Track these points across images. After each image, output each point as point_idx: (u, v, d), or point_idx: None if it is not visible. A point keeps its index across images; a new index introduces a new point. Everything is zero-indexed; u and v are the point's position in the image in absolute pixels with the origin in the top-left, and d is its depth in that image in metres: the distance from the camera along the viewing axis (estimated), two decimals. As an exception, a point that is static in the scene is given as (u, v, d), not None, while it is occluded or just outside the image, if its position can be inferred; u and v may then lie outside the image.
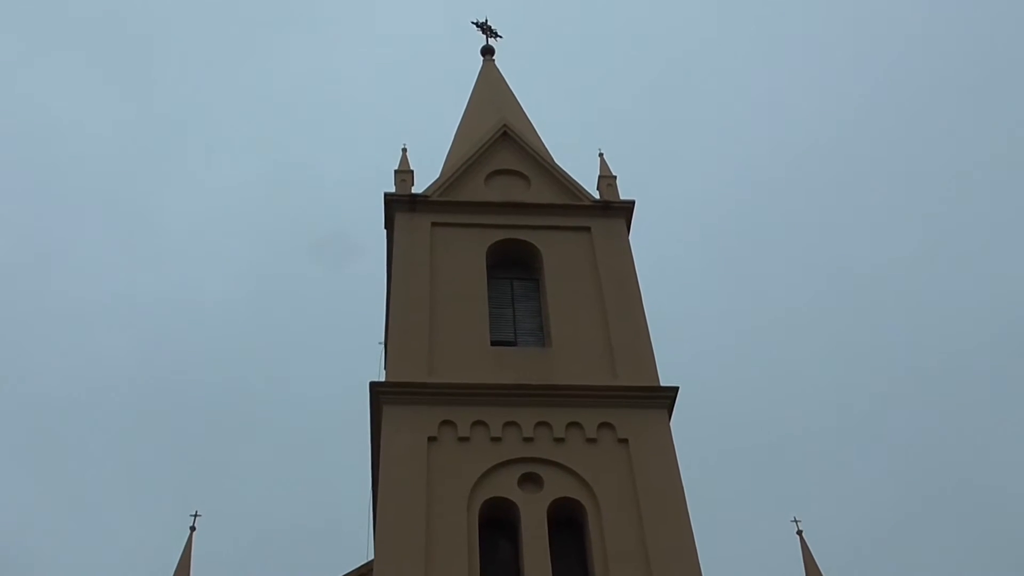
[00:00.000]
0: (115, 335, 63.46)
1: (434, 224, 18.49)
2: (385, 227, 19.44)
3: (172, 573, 16.21)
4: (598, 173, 20.50)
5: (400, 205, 18.87)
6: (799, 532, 17.84)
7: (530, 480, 14.59)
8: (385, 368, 16.60)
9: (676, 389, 15.89)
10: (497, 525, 14.33)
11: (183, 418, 62.61)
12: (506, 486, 14.47)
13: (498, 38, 27.94)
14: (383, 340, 20.23)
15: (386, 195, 19.12)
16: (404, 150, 20.58)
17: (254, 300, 68.63)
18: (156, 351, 63.28)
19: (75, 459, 57.62)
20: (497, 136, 20.61)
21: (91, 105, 71.60)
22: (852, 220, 68.35)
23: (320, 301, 67.29)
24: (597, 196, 19.78)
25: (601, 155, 21.00)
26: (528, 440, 14.95)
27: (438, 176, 20.19)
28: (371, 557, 15.10)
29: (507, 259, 18.51)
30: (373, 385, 15.68)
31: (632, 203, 19.39)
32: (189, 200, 73.94)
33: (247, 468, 58.45)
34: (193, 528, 16.99)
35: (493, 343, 16.68)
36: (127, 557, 48.04)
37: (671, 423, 15.58)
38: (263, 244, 72.54)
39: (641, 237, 19.47)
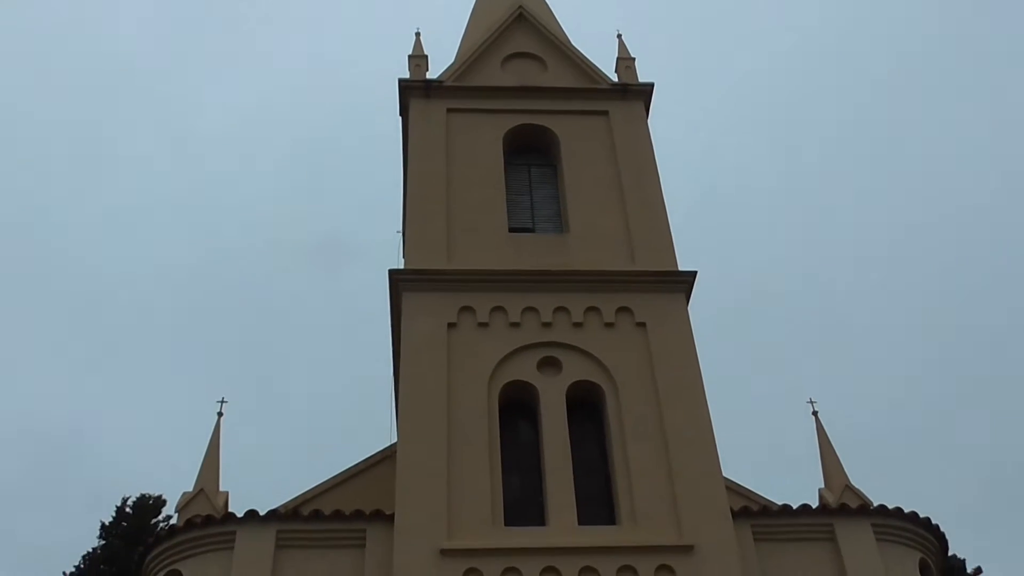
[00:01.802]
0: (156, 232, 64.40)
1: (449, 110, 18.23)
2: (400, 114, 19.21)
3: (202, 456, 16.68)
4: (616, 55, 20.03)
5: (415, 91, 18.58)
6: (814, 413, 18.01)
7: (549, 364, 14.79)
8: (404, 256, 16.65)
9: (694, 273, 15.88)
10: (517, 408, 14.60)
11: (216, 309, 63.91)
12: (525, 370, 14.67)
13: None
14: (401, 228, 20.23)
15: (400, 81, 18.81)
16: (418, 34, 20.15)
17: (286, 197, 69.05)
18: (192, 248, 64.26)
19: (119, 349, 59.40)
20: (512, 18, 20.11)
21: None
22: (864, 109, 66.97)
23: (348, 201, 67.46)
24: (615, 79, 19.38)
25: (619, 36, 20.47)
26: (547, 325, 15.08)
27: (453, 61, 19.82)
28: (395, 440, 15.44)
29: (524, 145, 18.29)
30: (392, 272, 15.76)
31: (651, 86, 19.00)
32: (227, 99, 73.40)
33: (275, 357, 59.74)
34: (220, 414, 17.34)
35: (511, 230, 16.65)
36: (167, 441, 49.83)
37: (689, 307, 15.65)
38: (296, 142, 72.43)
39: (660, 120, 19.16)
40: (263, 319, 62.82)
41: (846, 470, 17.11)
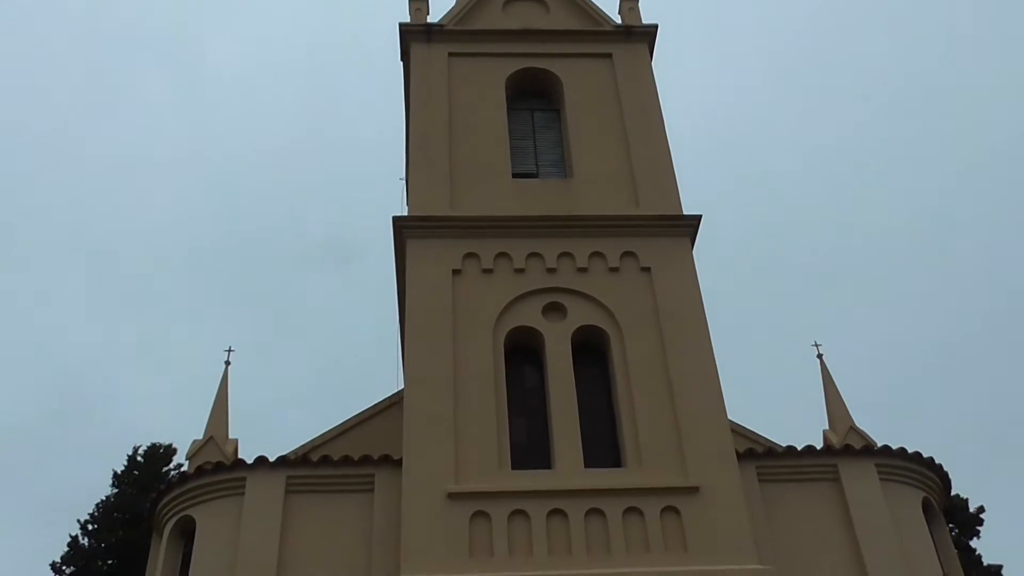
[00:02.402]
0: (164, 181, 64.34)
1: (451, 54, 18.04)
2: (401, 59, 19.01)
3: (212, 403, 16.81)
4: (620, -4, 19.71)
5: (416, 36, 18.36)
6: (820, 356, 18.01)
7: (554, 309, 14.81)
8: (407, 203, 16.61)
9: (699, 217, 15.83)
10: (522, 353, 14.66)
11: (224, 258, 64.16)
12: (530, 316, 14.70)
13: None
14: (404, 176, 20.14)
15: (401, 25, 18.58)
16: (418, -23, 19.80)
17: (295, 149, 68.80)
18: (201, 196, 64.28)
19: (135, 299, 59.83)
20: (514, -40, 19.76)
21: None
22: (874, 44, 66.10)
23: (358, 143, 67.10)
24: (619, 21, 19.11)
25: (623, -23, 20.11)
26: (551, 271, 15.08)
27: (454, 5, 19.54)
28: (402, 386, 15.52)
29: (527, 89, 18.13)
30: (396, 219, 15.71)
31: (655, 28, 18.74)
32: (234, 42, 72.64)
33: (284, 307, 60.08)
34: (228, 363, 17.41)
35: (515, 175, 16.56)
36: (177, 391, 50.36)
37: (693, 251, 15.62)
38: (305, 97, 71.82)
39: (664, 63, 18.94)
40: (271, 268, 63.08)
41: (851, 412, 17.16)
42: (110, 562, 25.52)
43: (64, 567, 25.56)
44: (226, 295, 61.90)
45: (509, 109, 17.51)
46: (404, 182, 20.26)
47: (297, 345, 58.03)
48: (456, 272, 14.96)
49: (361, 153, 63.91)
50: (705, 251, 15.99)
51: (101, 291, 61.27)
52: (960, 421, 50.52)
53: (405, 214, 16.14)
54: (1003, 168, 59.27)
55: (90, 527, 26.31)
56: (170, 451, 28.14)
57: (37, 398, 56.51)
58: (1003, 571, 26.14)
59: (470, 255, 15.13)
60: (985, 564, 26.50)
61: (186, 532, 13.95)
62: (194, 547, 13.51)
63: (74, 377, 57.39)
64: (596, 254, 15.26)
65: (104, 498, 26.95)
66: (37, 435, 54.39)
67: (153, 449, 28.20)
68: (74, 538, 26.11)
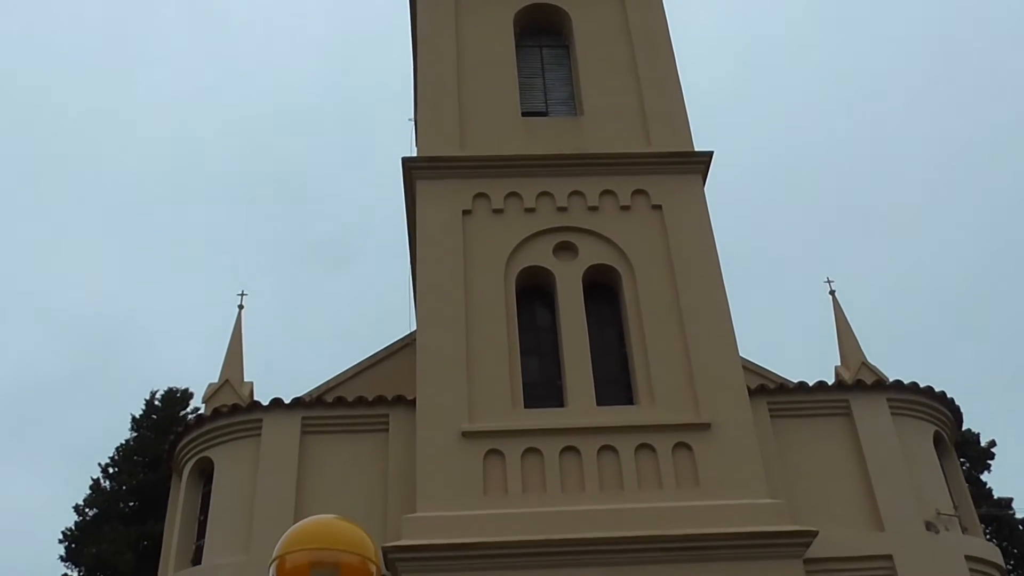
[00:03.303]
0: (183, 123, 64.14)
1: (459, -9, 17.73)
2: (408, -2, 18.73)
3: (227, 345, 16.91)
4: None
5: (422, -28, 18.03)
6: (832, 292, 17.95)
7: (565, 248, 14.77)
8: (416, 144, 16.46)
9: (710, 154, 15.67)
10: (534, 293, 14.66)
11: (238, 201, 64.14)
12: (541, 255, 14.67)
13: None
14: (413, 116, 19.94)
15: (407, -37, 18.27)
16: (423, -87, 19.37)
17: (317, 85, 68.20)
18: (219, 140, 64.12)
19: (151, 246, 60.15)
20: None
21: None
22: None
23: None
24: (628, -46, 18.68)
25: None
26: (562, 210, 15.00)
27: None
28: (414, 328, 15.57)
29: (536, 26, 17.83)
30: (406, 160, 15.61)
31: (665, -40, 18.35)
32: None
33: (297, 251, 60.14)
34: (241, 307, 17.48)
35: (524, 114, 16.38)
36: (194, 337, 50.79)
37: (705, 187, 15.50)
38: (326, 26, 71.01)
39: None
40: (283, 220, 63.01)
41: (863, 348, 17.15)
42: (131, 504, 26.03)
43: (87, 509, 26.08)
44: (241, 239, 62.00)
45: (518, 46, 17.24)
46: (413, 123, 20.08)
47: (311, 288, 58.31)
48: (466, 212, 14.90)
49: (377, 95, 63.42)
50: (717, 186, 15.87)
51: (117, 239, 61.51)
52: (972, 356, 50.59)
53: (414, 155, 16.02)
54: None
55: (111, 470, 26.78)
56: (187, 395, 28.47)
57: (56, 347, 57.14)
58: (1013, 504, 26.37)
59: (480, 195, 15.05)
60: (996, 497, 26.73)
61: (205, 473, 14.16)
62: (213, 487, 13.72)
63: (92, 326, 57.97)
64: (607, 192, 15.16)
65: (124, 442, 27.38)
66: (57, 384, 55.10)
67: (170, 393, 28.53)
68: (96, 481, 26.59)
